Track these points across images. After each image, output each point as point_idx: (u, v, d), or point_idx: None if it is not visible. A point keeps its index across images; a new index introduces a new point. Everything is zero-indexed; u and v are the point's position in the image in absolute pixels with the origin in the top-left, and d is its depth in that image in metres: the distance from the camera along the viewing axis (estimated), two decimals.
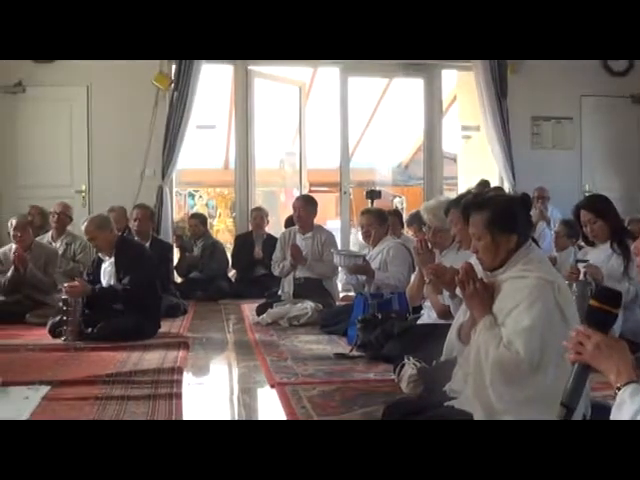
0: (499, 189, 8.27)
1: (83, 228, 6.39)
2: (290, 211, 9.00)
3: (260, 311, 7.31)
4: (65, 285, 6.20)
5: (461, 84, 11.47)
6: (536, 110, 10.54)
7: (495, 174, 10.33)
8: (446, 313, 4.56)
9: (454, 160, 12.52)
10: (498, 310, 3.08)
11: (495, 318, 3.07)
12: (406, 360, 4.31)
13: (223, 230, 14.27)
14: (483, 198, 3.37)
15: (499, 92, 10.02)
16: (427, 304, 5.14)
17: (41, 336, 6.25)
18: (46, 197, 9.08)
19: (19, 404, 4.11)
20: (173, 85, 9.61)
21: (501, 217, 3.17)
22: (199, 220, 9.76)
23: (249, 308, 7.98)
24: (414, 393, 4.06)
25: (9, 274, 7.23)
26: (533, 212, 8.07)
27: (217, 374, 5.52)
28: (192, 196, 15.50)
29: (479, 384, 3.00)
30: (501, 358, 2.92)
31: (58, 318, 6.19)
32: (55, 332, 6.18)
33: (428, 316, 5.13)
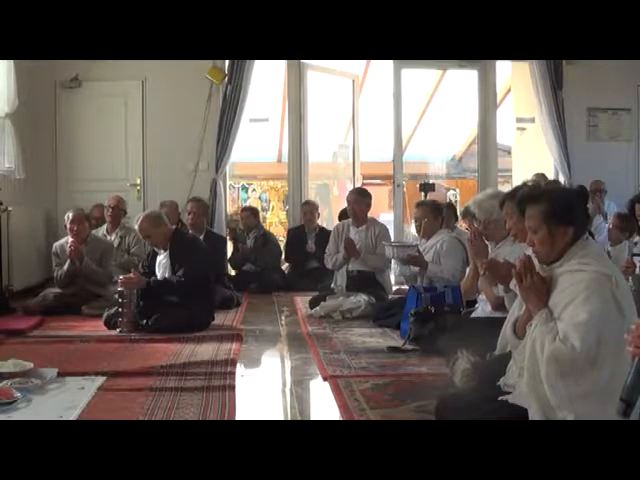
0: (555, 182, 8.17)
1: (137, 226, 6.44)
2: (343, 204, 8.99)
3: (313, 304, 7.32)
4: (120, 277, 6.26)
5: (516, 75, 11.34)
6: (592, 101, 10.37)
7: (550, 167, 10.19)
8: (501, 306, 4.52)
9: (508, 152, 12.39)
10: (554, 304, 3.05)
11: (551, 312, 3.03)
12: (459, 354, 4.27)
13: (276, 223, 14.29)
14: (539, 190, 3.33)
15: (554, 83, 9.89)
16: (481, 297, 5.09)
17: (97, 328, 6.33)
18: (102, 190, 9.21)
19: (75, 394, 4.16)
20: (227, 79, 9.66)
21: (558, 210, 3.12)
22: (251, 212, 9.79)
23: (302, 301, 8.00)
24: (467, 387, 4.01)
25: (65, 267, 7.30)
26: (590, 206, 7.96)
27: (270, 366, 5.53)
28: (245, 189, 15.54)
29: (534, 379, 2.96)
30: (557, 352, 2.89)
31: (113, 310, 6.26)
32: (110, 324, 6.26)
33: (482, 309, 5.09)
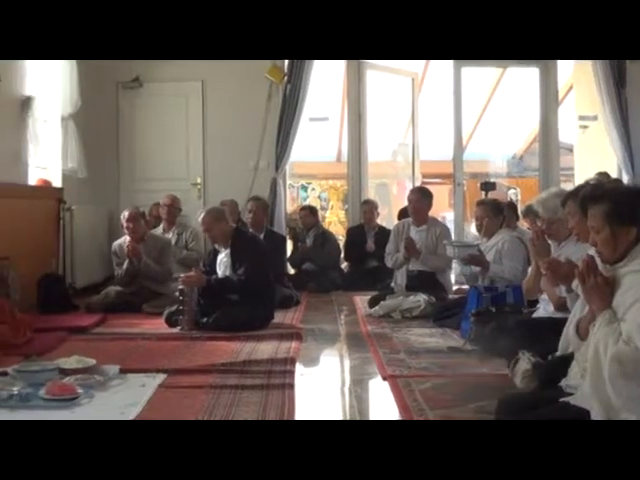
0: (618, 181, 8.05)
1: (199, 220, 6.51)
2: (402, 203, 8.98)
3: (372, 303, 7.31)
4: (181, 275, 6.34)
5: (578, 73, 11.20)
6: None
7: (613, 165, 10.03)
8: (563, 306, 4.47)
9: (570, 151, 12.24)
10: (618, 304, 3.01)
11: (614, 313, 2.99)
12: (520, 354, 4.23)
13: (335, 222, 14.29)
14: (602, 190, 3.29)
15: (617, 81, 9.73)
16: (543, 297, 5.04)
17: (157, 325, 6.41)
18: (163, 190, 9.29)
19: (136, 391, 4.22)
20: (286, 78, 9.69)
21: (620, 209, 3.09)
22: (309, 211, 9.82)
23: (361, 300, 8.00)
24: (528, 388, 3.99)
25: (125, 266, 7.42)
26: None
27: (329, 365, 5.55)
28: (305, 188, 15.60)
29: (597, 380, 2.93)
30: (620, 353, 2.85)
31: (174, 308, 6.32)
32: (171, 321, 6.32)
33: (544, 309, 5.03)
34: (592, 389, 2.95)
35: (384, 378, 4.61)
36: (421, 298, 7.00)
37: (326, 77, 12.58)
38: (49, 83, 8.10)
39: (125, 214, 7.54)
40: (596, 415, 2.90)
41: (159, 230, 8.66)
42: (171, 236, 8.57)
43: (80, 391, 4.01)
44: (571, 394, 3.18)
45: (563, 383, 3.34)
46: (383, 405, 4.20)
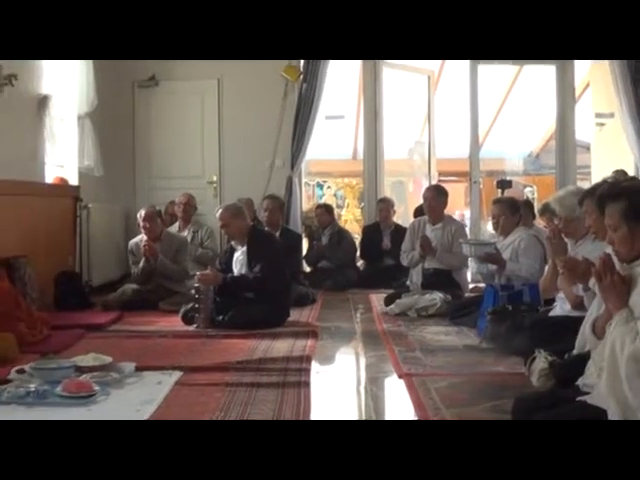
0: (635, 179, 8.01)
1: (217, 215, 6.52)
2: (418, 201, 8.96)
3: (388, 301, 7.31)
4: (197, 273, 6.35)
5: (594, 70, 11.16)
6: None
7: (631, 163, 9.98)
8: (580, 305, 4.46)
9: (587, 149, 12.19)
10: (634, 303, 3.00)
11: (631, 311, 2.98)
12: (537, 353, 4.23)
13: (351, 220, 14.31)
14: (619, 188, 3.27)
15: (634, 78, 9.67)
16: (560, 296, 5.03)
17: (174, 323, 6.43)
18: (179, 188, 9.33)
19: (152, 388, 4.23)
20: (302, 77, 9.69)
21: (638, 207, 3.07)
22: (325, 209, 9.82)
23: (377, 298, 8.00)
24: (545, 387, 3.98)
25: (141, 265, 7.45)
26: None
27: (345, 363, 5.55)
28: (320, 186, 15.62)
29: (614, 379, 2.92)
30: (637, 353, 2.84)
31: (190, 306, 6.34)
32: (187, 319, 6.34)
33: (561, 308, 5.02)
34: (609, 388, 2.94)
35: (400, 376, 4.61)
36: (437, 296, 6.99)
37: (342, 75, 12.57)
38: (66, 82, 8.14)
39: (142, 213, 7.56)
40: (613, 415, 2.88)
41: (175, 228, 8.69)
42: (187, 234, 8.61)
43: (96, 388, 4.03)
44: (588, 393, 3.17)
45: (580, 382, 3.33)
46: (399, 404, 4.20)
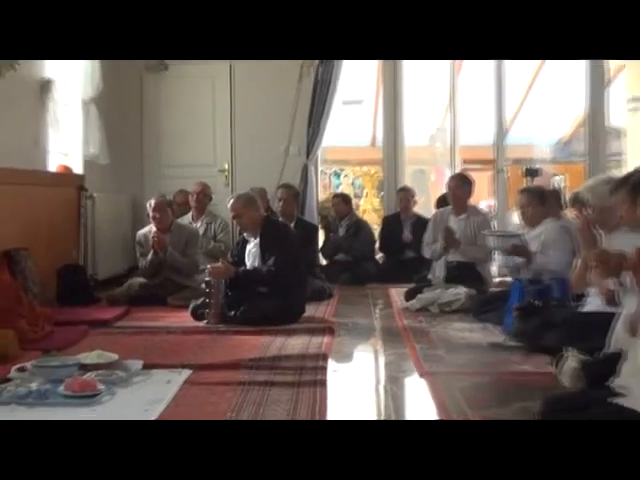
0: None
1: (229, 205, 6.49)
2: (440, 190, 8.93)
3: (409, 296, 7.29)
4: (208, 267, 6.34)
5: None
6: None
7: None
8: (613, 300, 4.42)
9: (620, 135, 12.10)
10: None
11: None
12: (567, 352, 4.20)
13: (369, 211, 14.26)
14: None
15: None
16: (592, 290, 4.99)
17: (183, 319, 6.43)
18: (189, 176, 9.35)
19: (161, 387, 4.22)
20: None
21: None
22: (342, 199, 9.81)
23: (397, 293, 7.99)
24: (576, 388, 3.95)
25: (149, 257, 7.44)
26: None
27: (363, 361, 5.53)
28: (337, 175, 15.57)
29: None
30: None
31: (200, 300, 6.33)
32: (197, 315, 6.34)
33: (592, 304, 4.98)
34: None
35: (421, 375, 4.59)
36: (461, 291, 6.97)
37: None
38: (69, 65, 8.13)
39: (152, 203, 7.54)
40: None
41: (186, 219, 8.67)
42: (199, 225, 8.59)
43: (101, 387, 4.02)
44: (621, 394, 3.14)
45: (613, 383, 3.30)
46: (420, 404, 4.18)
